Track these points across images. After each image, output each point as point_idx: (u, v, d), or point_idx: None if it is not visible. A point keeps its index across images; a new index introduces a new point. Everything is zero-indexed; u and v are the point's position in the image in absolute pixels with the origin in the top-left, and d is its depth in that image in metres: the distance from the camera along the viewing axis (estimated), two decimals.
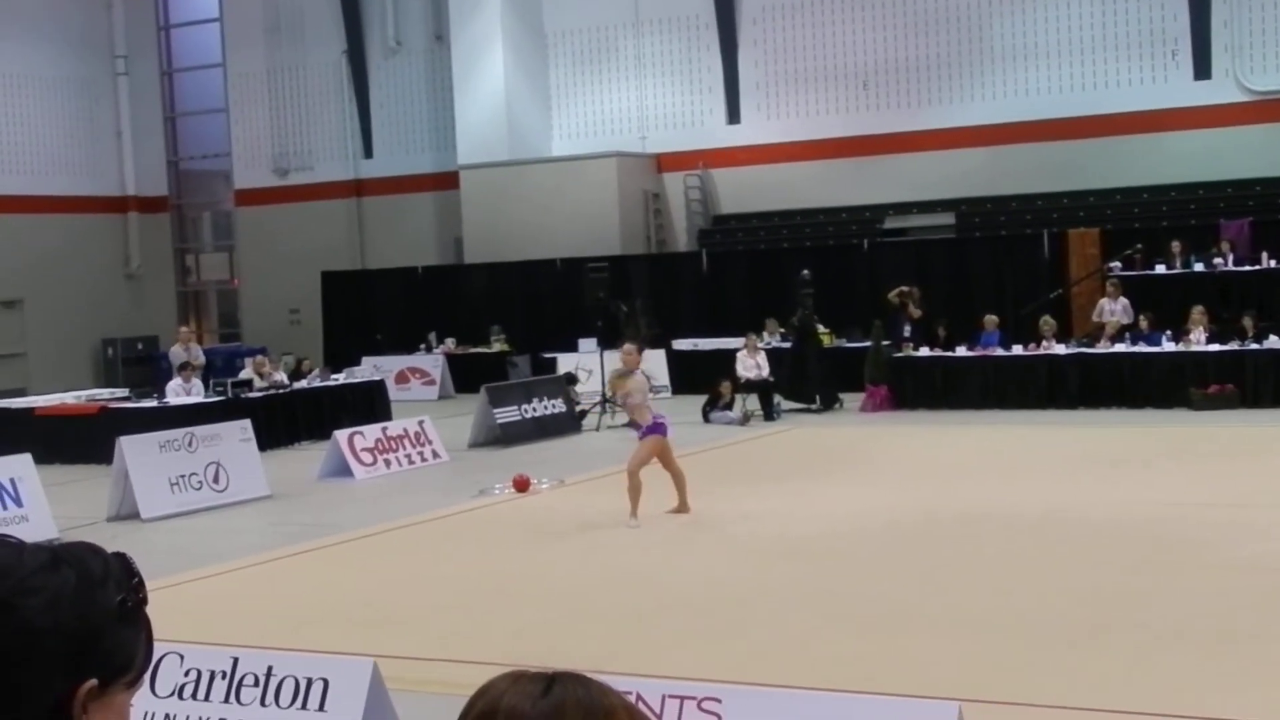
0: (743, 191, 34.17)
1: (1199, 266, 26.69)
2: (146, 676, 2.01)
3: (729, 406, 24.56)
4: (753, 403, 24.85)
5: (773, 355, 26.10)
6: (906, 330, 26.03)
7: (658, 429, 15.16)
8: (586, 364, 27.49)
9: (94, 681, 1.87)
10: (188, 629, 8.88)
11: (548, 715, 1.86)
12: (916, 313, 26.33)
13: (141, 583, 1.97)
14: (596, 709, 1.88)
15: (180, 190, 41.38)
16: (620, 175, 34.18)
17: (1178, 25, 30.42)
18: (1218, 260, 26.66)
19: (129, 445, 17.03)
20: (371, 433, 20.34)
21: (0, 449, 20.07)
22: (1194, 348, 23.83)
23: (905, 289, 26.55)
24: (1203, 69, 30.24)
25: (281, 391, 24.03)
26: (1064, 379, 24.24)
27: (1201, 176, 29.85)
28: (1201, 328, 24.11)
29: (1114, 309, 25.97)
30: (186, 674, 7.61)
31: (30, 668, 1.84)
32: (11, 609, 1.84)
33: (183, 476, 17.28)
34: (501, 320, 32.90)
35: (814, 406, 25.54)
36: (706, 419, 24.26)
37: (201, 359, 27.46)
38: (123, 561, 1.96)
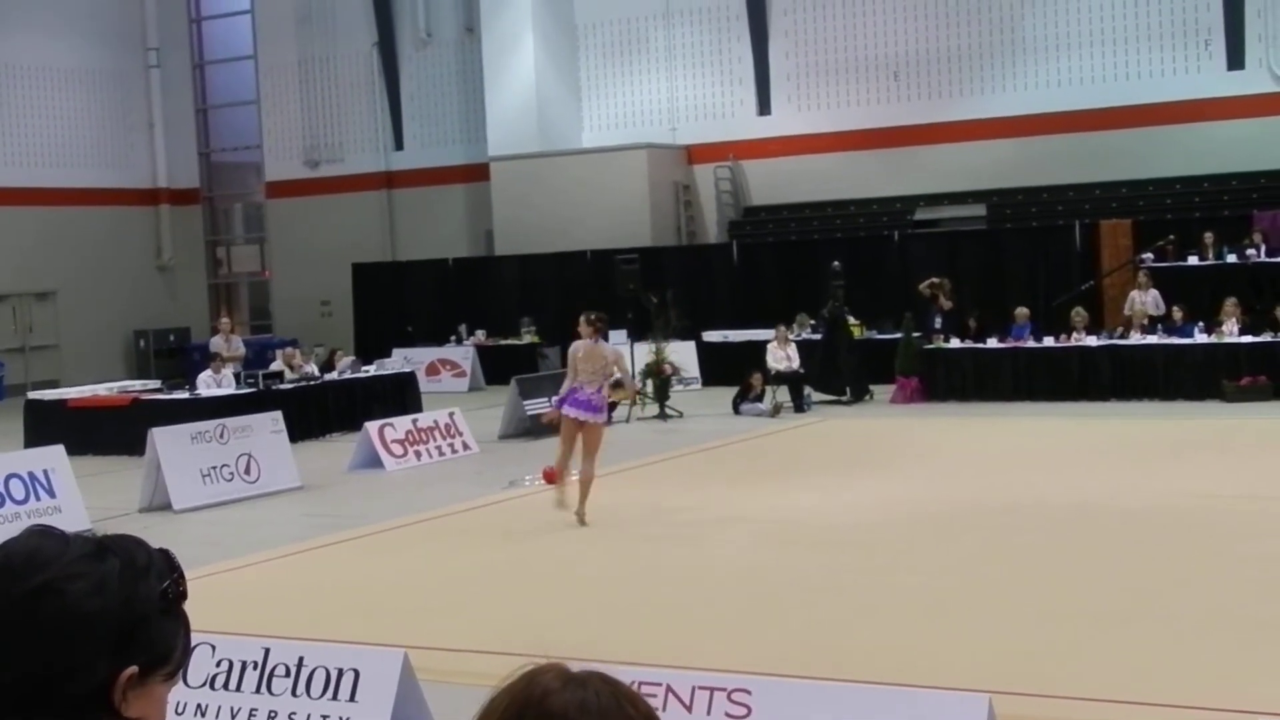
0: (773, 183, 34.11)
1: (1231, 258, 26.52)
2: (182, 672, 2.04)
3: (760, 398, 24.54)
4: (783, 394, 24.81)
5: (803, 347, 26.05)
6: (937, 322, 25.97)
7: (566, 403, 14.59)
8: None
9: (135, 668, 1.90)
10: (219, 619, 8.90)
11: None
12: (947, 304, 26.26)
13: (182, 576, 2.01)
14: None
15: (211, 182, 41.53)
16: (650, 167, 34.15)
17: (1211, 15, 30.24)
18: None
19: (161, 436, 17.10)
20: (402, 424, 20.38)
21: (33, 440, 20.36)
22: (1226, 339, 23.72)
23: (936, 280, 26.48)
24: (1236, 59, 30.04)
25: (312, 383, 24.08)
26: (1096, 371, 24.14)
27: (1235, 167, 29.67)
28: (1234, 319, 24.00)
29: (1144, 300, 25.83)
30: (218, 664, 7.65)
31: (77, 650, 1.88)
32: (59, 592, 1.89)
33: (214, 468, 17.35)
34: (532, 312, 32.92)
35: (845, 398, 25.50)
36: (737, 411, 24.26)
37: (241, 350, 27.58)
38: (165, 555, 2.01)
